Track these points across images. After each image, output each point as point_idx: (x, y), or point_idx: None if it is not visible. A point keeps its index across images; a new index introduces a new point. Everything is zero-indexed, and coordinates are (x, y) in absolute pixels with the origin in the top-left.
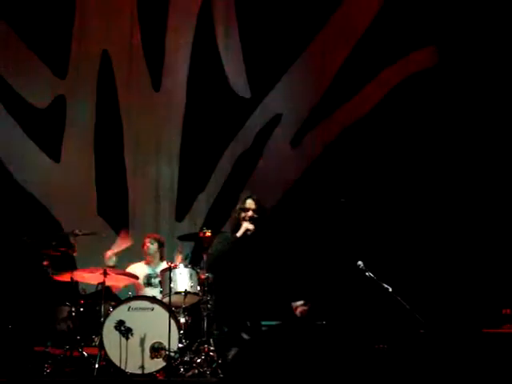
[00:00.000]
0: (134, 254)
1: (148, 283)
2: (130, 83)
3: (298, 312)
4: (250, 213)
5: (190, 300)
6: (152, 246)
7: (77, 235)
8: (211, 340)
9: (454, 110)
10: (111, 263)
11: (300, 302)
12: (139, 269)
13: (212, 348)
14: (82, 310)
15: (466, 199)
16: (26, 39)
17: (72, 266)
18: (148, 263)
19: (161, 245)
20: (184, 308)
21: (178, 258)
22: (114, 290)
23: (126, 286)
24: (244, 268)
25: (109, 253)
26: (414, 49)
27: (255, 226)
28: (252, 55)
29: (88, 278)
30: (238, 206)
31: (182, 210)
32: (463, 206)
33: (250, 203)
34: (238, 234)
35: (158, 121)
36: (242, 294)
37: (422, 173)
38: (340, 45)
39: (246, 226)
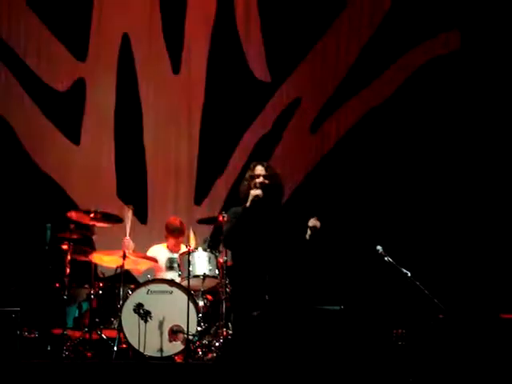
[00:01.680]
0: (154, 235)
1: (170, 267)
2: (150, 66)
3: (312, 225)
4: (259, 179)
5: (209, 283)
6: (178, 241)
7: (96, 213)
8: (229, 323)
9: (476, 94)
10: (130, 248)
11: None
12: (161, 251)
13: (230, 332)
14: (100, 292)
15: (489, 186)
16: (47, 22)
17: (91, 249)
18: (169, 247)
19: (183, 233)
20: (203, 291)
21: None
22: (137, 274)
23: (146, 270)
24: (258, 237)
25: (125, 241)
26: (436, 33)
27: (265, 192)
28: (272, 39)
29: (107, 260)
30: (247, 174)
31: (200, 194)
32: (486, 192)
33: (259, 169)
34: (248, 204)
35: (177, 104)
36: (259, 266)
37: (443, 156)
38: (360, 29)
39: (253, 192)
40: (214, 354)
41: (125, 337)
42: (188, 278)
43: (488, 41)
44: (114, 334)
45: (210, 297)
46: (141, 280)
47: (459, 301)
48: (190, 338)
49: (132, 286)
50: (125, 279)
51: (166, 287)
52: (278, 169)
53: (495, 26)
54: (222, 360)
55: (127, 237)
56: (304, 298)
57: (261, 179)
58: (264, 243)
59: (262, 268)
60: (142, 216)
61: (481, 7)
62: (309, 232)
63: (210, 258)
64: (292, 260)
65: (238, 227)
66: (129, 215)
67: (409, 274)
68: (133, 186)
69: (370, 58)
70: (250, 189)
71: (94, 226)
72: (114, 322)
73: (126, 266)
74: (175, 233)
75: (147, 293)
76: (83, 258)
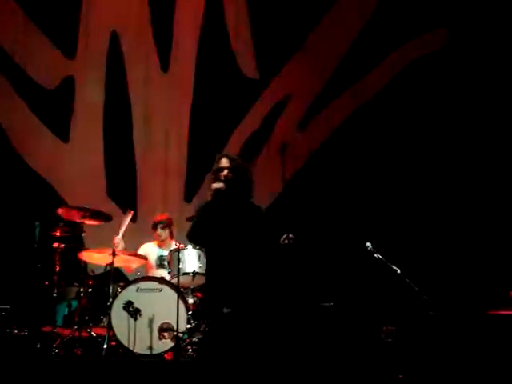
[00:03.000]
0: (144, 234)
1: (160, 264)
2: (139, 64)
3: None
4: (223, 172)
5: (199, 281)
6: (163, 233)
7: (85, 210)
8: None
9: (464, 92)
10: (120, 248)
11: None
12: (151, 249)
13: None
14: (90, 290)
15: (476, 182)
16: (35, 19)
17: (80, 247)
18: (160, 245)
19: (170, 226)
20: (192, 289)
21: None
22: (128, 272)
23: (138, 267)
24: (224, 231)
25: (116, 239)
26: (423, 31)
27: (229, 185)
28: (261, 36)
29: (97, 258)
30: (213, 168)
31: (190, 191)
32: (472, 188)
33: (224, 162)
34: (209, 198)
35: (166, 102)
36: (228, 261)
37: (431, 154)
38: (348, 26)
39: (214, 186)
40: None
41: (114, 335)
42: (178, 275)
43: (475, 37)
44: (103, 331)
45: (199, 294)
46: (131, 278)
47: (449, 297)
48: (180, 335)
49: (122, 284)
50: (114, 277)
51: (155, 285)
52: (266, 166)
53: (482, 22)
54: (201, 357)
55: (119, 236)
56: (292, 294)
57: (225, 172)
58: (231, 236)
59: (231, 263)
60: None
61: (468, 5)
62: (283, 239)
63: (199, 256)
64: (262, 255)
65: (200, 222)
66: (127, 219)
67: (398, 271)
68: (122, 184)
69: (358, 56)
70: (214, 182)
71: (83, 223)
72: (104, 319)
73: (116, 264)
74: (157, 225)
75: (137, 290)
76: (73, 256)
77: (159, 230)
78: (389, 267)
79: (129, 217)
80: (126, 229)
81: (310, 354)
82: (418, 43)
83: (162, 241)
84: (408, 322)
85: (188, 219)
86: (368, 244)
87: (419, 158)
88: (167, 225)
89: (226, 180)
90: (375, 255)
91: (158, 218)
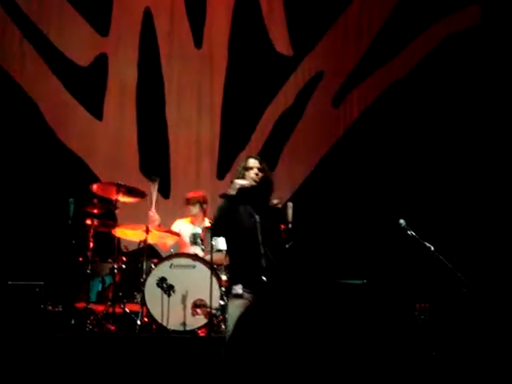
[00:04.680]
0: (177, 210)
1: (194, 241)
2: (172, 40)
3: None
4: (254, 170)
5: None
6: (193, 208)
7: (119, 186)
8: None
9: (497, 70)
10: (156, 222)
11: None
12: (184, 226)
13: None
14: (124, 266)
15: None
16: None
17: (114, 224)
18: (193, 222)
19: (202, 203)
20: (225, 266)
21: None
22: (165, 250)
23: (173, 245)
24: (247, 226)
25: (151, 213)
26: (456, 8)
27: (258, 183)
28: (294, 12)
29: (130, 235)
30: (240, 166)
31: (223, 168)
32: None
33: (253, 162)
34: (233, 192)
35: (199, 78)
36: (252, 253)
37: (463, 132)
38: (381, 4)
39: (240, 182)
40: None
41: (148, 311)
42: (211, 252)
43: (509, 15)
44: (137, 308)
45: None
46: (164, 254)
47: (483, 275)
48: (213, 312)
49: (155, 261)
50: (148, 253)
51: (189, 261)
52: (299, 143)
53: None
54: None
55: (152, 210)
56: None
57: (255, 171)
58: (255, 231)
59: (256, 255)
60: (164, 191)
61: None
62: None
63: None
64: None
65: (223, 216)
66: (154, 187)
67: (432, 248)
68: (155, 161)
69: (392, 33)
70: (239, 179)
71: (116, 200)
72: (138, 296)
73: (150, 241)
74: (189, 201)
75: (170, 267)
76: (106, 233)
77: (190, 206)
78: (422, 244)
79: (156, 185)
80: (159, 204)
81: (340, 331)
82: (451, 20)
83: (194, 216)
84: (442, 300)
85: (221, 196)
86: (402, 221)
87: (453, 133)
88: (198, 201)
89: (254, 179)
90: (409, 232)
91: (191, 194)
